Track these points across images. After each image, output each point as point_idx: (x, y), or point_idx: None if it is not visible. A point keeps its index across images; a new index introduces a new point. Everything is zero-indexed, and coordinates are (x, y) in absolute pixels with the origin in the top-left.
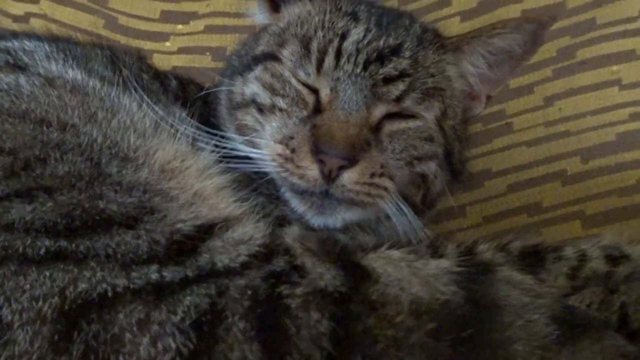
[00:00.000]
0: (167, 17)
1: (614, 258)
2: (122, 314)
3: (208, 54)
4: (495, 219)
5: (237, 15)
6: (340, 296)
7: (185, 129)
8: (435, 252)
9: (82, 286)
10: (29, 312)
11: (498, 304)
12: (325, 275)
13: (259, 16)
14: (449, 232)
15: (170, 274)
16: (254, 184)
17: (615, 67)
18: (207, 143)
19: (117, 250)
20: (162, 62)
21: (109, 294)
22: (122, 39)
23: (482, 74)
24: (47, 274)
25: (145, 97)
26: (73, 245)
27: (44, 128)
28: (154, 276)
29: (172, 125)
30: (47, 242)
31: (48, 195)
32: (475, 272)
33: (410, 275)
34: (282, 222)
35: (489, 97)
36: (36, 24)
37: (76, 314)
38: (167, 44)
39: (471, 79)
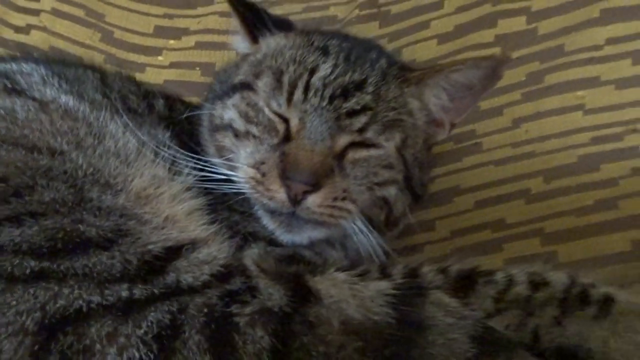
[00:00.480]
0: (160, 32)
1: (536, 284)
2: (94, 327)
3: (198, 69)
4: (462, 234)
5: (226, 32)
6: (284, 315)
7: (166, 152)
8: (383, 273)
9: (61, 302)
10: (14, 325)
11: (425, 324)
12: (274, 296)
13: (240, 44)
14: (419, 245)
15: (139, 291)
16: (230, 202)
17: (580, 93)
18: (186, 165)
19: (93, 270)
20: (154, 75)
21: (84, 309)
22: (117, 52)
23: (444, 105)
24: (31, 291)
25: (130, 123)
26: (55, 265)
27: (35, 155)
28: (124, 294)
29: (153, 150)
30: (32, 263)
31: (34, 220)
32: (409, 295)
33: (349, 297)
34: (252, 238)
35: (452, 125)
36: (36, 36)
37: (54, 327)
38: (160, 58)
39: (434, 109)
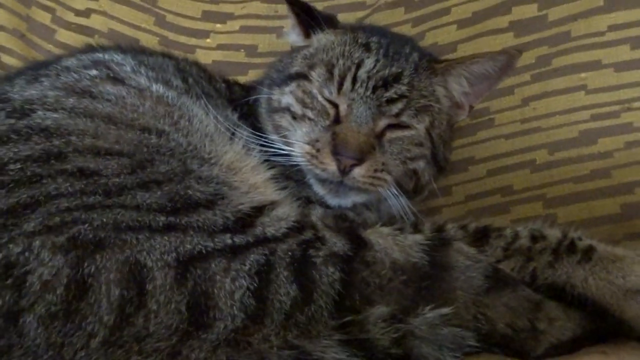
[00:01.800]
0: (207, 16)
1: (536, 237)
2: (213, 264)
3: (242, 50)
4: (475, 198)
5: (268, 17)
6: (347, 257)
7: (240, 132)
8: (416, 228)
9: (187, 247)
10: (160, 261)
11: (450, 265)
12: (338, 244)
13: (293, 37)
14: (437, 207)
15: (238, 239)
16: (288, 172)
17: (583, 75)
18: (252, 142)
19: (204, 224)
20: (203, 56)
21: (203, 251)
22: (170, 35)
23: (465, 91)
24: (166, 238)
25: (210, 105)
26: (177, 220)
27: (146, 135)
28: (229, 241)
29: (228, 129)
30: (162, 218)
31: (157, 186)
32: (438, 245)
33: (393, 245)
34: (308, 201)
35: (471, 107)
36: (96, 19)
37: (186, 263)
38: (208, 40)
39: (456, 94)
